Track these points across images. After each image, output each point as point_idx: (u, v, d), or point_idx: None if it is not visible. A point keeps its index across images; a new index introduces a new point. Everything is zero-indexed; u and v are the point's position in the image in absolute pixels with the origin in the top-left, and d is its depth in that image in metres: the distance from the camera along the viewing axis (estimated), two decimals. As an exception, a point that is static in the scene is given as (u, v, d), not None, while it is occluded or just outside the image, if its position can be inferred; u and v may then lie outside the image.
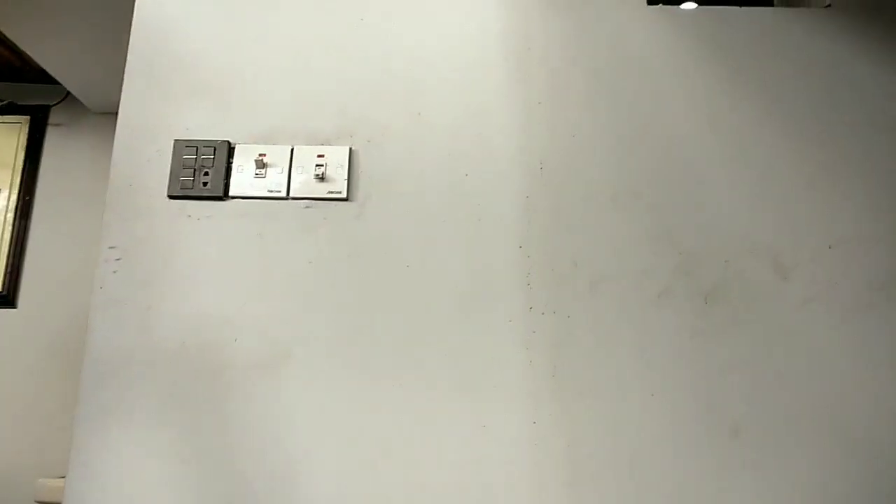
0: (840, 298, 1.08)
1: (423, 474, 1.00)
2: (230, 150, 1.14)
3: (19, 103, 2.58)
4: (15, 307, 2.39)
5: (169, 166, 1.13)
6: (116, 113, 1.16)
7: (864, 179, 1.13)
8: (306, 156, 1.13)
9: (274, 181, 1.12)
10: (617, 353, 1.05)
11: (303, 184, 1.12)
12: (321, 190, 1.12)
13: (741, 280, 1.08)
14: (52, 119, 2.58)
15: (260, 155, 1.13)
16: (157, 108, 1.17)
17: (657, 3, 1.24)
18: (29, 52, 2.11)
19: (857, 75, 1.19)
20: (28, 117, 2.58)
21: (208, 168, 1.12)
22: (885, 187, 1.13)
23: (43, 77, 2.36)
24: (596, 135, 1.16)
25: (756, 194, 1.12)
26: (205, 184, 1.12)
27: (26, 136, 2.56)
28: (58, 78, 2.28)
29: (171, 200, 1.12)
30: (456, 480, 0.99)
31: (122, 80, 1.19)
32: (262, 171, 1.13)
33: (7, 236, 2.45)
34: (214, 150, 1.13)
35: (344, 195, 1.12)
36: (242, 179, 1.12)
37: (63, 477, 1.11)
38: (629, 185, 1.13)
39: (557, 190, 1.13)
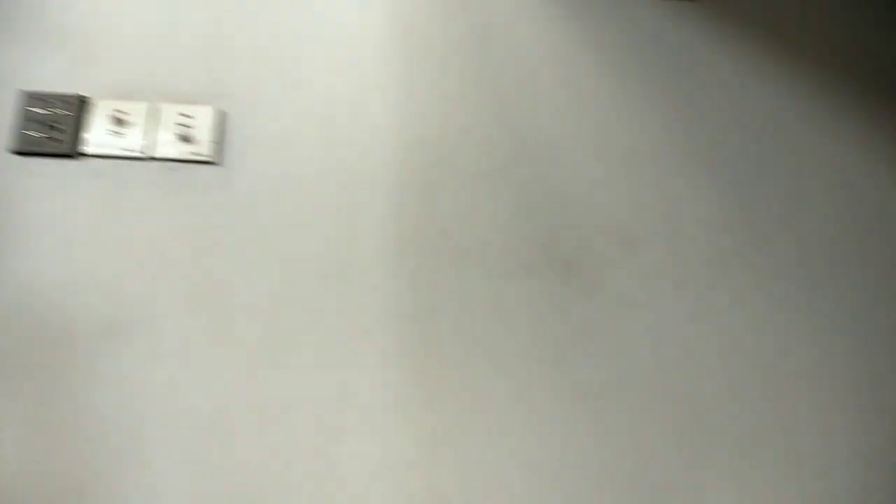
0: (683, 274, 1.17)
1: (281, 443, 1.01)
2: (84, 105, 1.07)
3: None
4: None
5: (14, 120, 1.05)
6: (-48, 57, 1.06)
7: (711, 167, 1.22)
8: (169, 114, 1.09)
9: (132, 140, 1.07)
10: (480, 323, 1.09)
11: (165, 144, 1.08)
12: (185, 151, 1.08)
13: (595, 255, 1.15)
14: None
15: (117, 111, 1.07)
16: (5, 55, 1.08)
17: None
18: None
19: (718, 68, 1.27)
20: None
21: (59, 123, 1.05)
22: (729, 175, 1.23)
23: None
24: (471, 112, 1.18)
25: (614, 176, 1.19)
26: (55, 140, 1.05)
27: None
28: None
29: (16, 157, 1.04)
30: (315, 447, 1.01)
31: (-39, 20, 1.09)
32: (120, 128, 1.07)
33: None
34: (66, 103, 1.06)
35: (210, 158, 1.08)
36: (97, 137, 1.06)
37: None
38: (499, 162, 1.16)
39: (430, 163, 1.14)
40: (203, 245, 1.05)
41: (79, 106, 1.06)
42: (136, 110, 1.08)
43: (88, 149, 1.06)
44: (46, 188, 1.03)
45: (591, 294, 1.13)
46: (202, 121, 1.09)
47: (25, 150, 1.04)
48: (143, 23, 1.13)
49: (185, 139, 1.08)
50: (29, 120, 1.05)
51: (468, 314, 1.09)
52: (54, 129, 1.05)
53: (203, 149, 1.08)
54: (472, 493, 1.03)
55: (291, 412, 1.01)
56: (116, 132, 1.06)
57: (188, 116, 1.09)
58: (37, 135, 1.04)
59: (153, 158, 1.07)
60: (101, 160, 1.06)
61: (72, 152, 1.05)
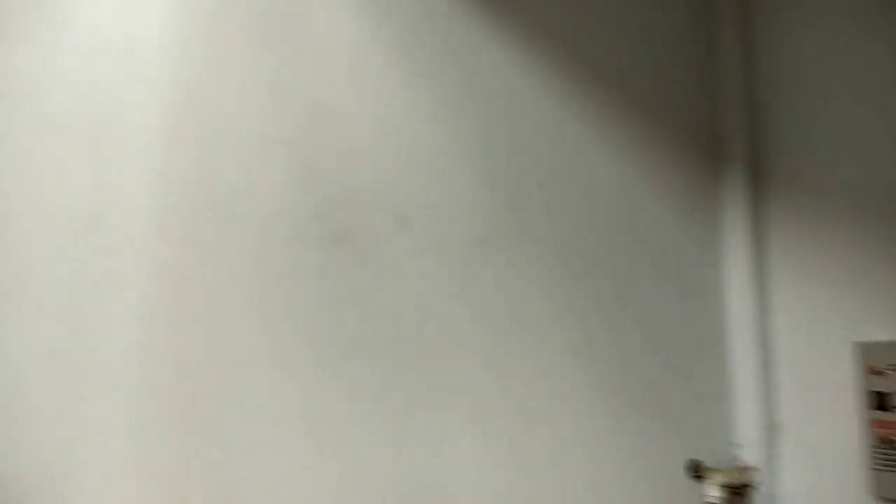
0: (450, 252, 1.26)
1: (23, 398, 0.95)
2: None
3: None
4: None
5: None
6: None
7: (483, 154, 1.33)
8: None
9: None
10: (242, 287, 1.09)
11: None
12: None
13: (369, 227, 1.19)
14: None
15: None
16: None
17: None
18: None
19: (498, 61, 1.36)
20: None
21: None
22: (500, 163, 1.34)
23: None
24: (254, 74, 1.14)
25: (392, 153, 1.23)
26: None
27: None
28: None
29: None
30: (52, 412, 0.96)
31: None
32: None
33: None
34: None
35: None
36: None
37: None
38: (279, 130, 1.15)
39: (207, 124, 1.10)
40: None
41: None
42: None
43: None
44: None
45: (362, 265, 1.18)
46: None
47: None
48: None
49: None
50: None
51: (233, 277, 1.08)
52: None
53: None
54: (222, 456, 1.04)
55: (23, 372, 0.95)
56: None
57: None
58: None
59: None
60: None
61: None
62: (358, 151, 1.20)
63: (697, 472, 1.47)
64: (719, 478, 1.45)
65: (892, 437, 1.29)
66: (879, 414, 1.31)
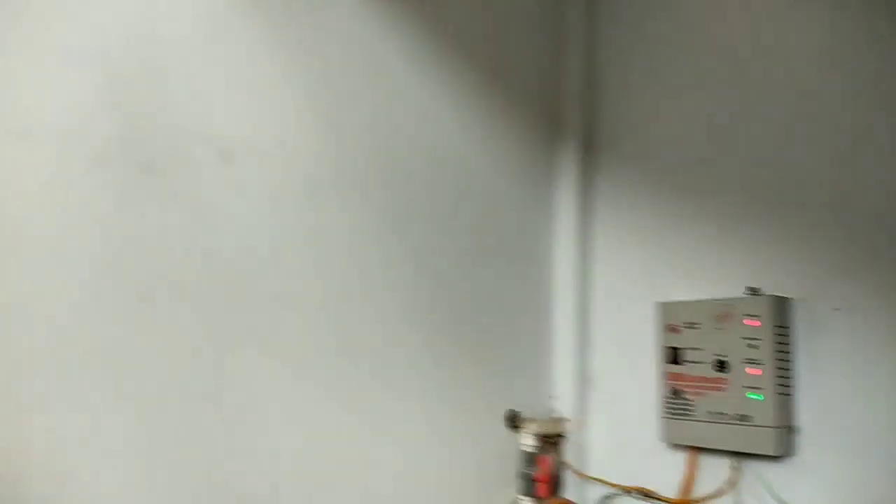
0: (277, 193, 1.21)
1: None
2: None
3: None
4: None
5: None
6: None
7: (316, 96, 1.28)
8: None
9: None
10: (32, 210, 0.97)
11: None
12: None
13: (185, 160, 1.11)
14: None
15: None
16: None
17: None
18: None
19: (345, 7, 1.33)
20: None
21: None
22: (332, 107, 1.30)
23: None
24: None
25: (216, 86, 1.16)
26: None
27: None
28: None
29: None
30: None
31: None
32: None
33: None
34: None
35: None
36: None
37: None
38: (79, 39, 1.03)
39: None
40: None
41: None
42: None
43: None
44: None
45: (175, 198, 1.10)
46: None
47: None
48: None
49: None
50: None
51: (20, 196, 0.97)
52: None
53: None
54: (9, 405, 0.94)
55: None
56: None
57: None
58: None
59: None
60: None
61: None
62: (173, 72, 1.11)
63: (514, 422, 1.55)
64: (534, 427, 1.54)
65: (681, 389, 1.43)
66: (673, 367, 1.45)
